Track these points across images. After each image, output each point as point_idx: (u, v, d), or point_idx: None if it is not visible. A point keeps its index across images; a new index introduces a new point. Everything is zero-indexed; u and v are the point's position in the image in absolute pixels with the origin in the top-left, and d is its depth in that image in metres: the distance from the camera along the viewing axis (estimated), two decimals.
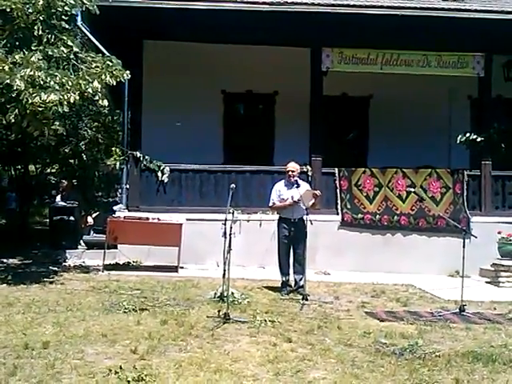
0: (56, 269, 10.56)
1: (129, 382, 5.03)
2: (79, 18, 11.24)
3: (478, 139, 12.27)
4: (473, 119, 13.99)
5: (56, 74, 8.90)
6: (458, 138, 12.37)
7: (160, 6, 11.11)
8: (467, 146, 12.57)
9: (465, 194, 12.42)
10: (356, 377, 5.41)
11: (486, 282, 11.16)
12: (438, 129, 13.73)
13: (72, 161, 18.14)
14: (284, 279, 9.32)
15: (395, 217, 12.17)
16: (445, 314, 8.05)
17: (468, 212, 12.27)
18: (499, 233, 11.25)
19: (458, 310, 8.12)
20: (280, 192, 9.45)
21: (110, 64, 9.46)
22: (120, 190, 13.28)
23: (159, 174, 11.98)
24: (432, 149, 13.21)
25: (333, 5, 11.52)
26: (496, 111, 12.99)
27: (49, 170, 18.55)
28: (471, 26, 11.65)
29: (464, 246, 8.34)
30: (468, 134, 12.33)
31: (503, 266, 10.98)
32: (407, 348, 6.28)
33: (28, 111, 9.05)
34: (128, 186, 12.37)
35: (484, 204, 12.51)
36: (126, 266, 11.12)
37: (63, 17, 9.58)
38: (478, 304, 8.91)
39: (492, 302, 9.08)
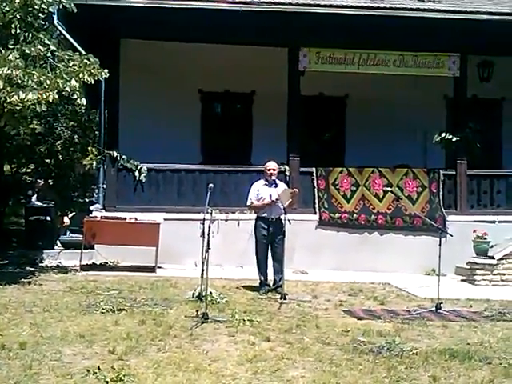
0: (32, 269, 10.47)
1: (107, 382, 5.01)
2: (55, 17, 11.15)
3: (454, 139, 12.36)
4: (448, 119, 14.10)
5: (33, 72, 8.84)
6: (434, 138, 12.49)
7: (136, 4, 11.10)
8: (443, 146, 12.67)
9: (441, 193, 12.52)
10: (334, 375, 5.43)
11: (462, 280, 11.28)
12: (413, 128, 13.82)
13: (48, 160, 17.96)
14: (262, 278, 9.33)
15: (372, 216, 12.24)
16: (421, 311, 8.12)
17: (444, 211, 12.37)
18: (474, 231, 11.34)
19: (434, 308, 8.18)
20: (258, 191, 9.46)
21: (88, 62, 9.41)
22: (96, 190, 13.17)
23: (136, 173, 11.92)
24: (408, 148, 13.32)
25: (310, 5, 11.57)
26: (471, 111, 13.12)
27: (24, 170, 18.33)
28: (446, 26, 11.78)
29: (440, 245, 8.43)
30: (444, 134, 12.44)
31: (478, 264, 11.08)
32: (385, 346, 6.33)
33: (6, 110, 8.98)
34: (105, 186, 12.30)
35: (459, 203, 12.62)
36: (103, 267, 11.06)
37: (40, 15, 9.51)
38: (454, 302, 8.99)
39: (468, 300, 9.16)
